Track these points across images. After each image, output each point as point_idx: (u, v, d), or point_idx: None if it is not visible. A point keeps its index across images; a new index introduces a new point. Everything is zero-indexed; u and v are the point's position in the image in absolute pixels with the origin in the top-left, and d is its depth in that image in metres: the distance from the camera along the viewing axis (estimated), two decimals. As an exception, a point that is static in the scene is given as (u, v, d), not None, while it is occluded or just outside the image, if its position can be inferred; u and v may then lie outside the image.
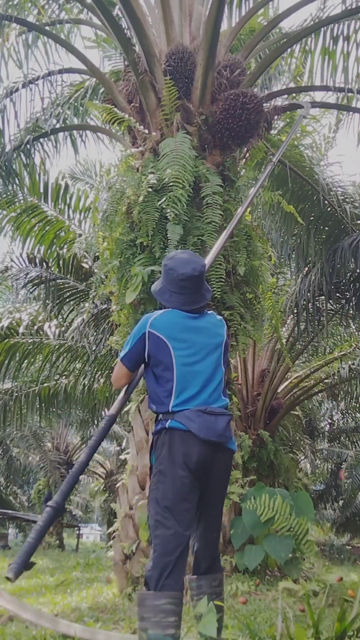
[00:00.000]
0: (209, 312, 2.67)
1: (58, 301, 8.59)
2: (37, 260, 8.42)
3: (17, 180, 7.14)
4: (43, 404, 10.27)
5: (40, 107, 6.73)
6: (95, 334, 8.47)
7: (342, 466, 16.40)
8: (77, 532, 25.63)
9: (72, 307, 9.07)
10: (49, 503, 2.40)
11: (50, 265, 8.46)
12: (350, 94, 6.39)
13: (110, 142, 7.85)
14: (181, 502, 2.30)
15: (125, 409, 5.73)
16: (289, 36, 6.10)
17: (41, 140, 7.00)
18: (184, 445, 2.31)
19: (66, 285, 8.49)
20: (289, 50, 6.58)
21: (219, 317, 2.67)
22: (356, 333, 10.14)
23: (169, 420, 2.37)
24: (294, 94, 7.05)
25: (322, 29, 6.39)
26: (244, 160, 6.17)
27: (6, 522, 25.37)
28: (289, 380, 9.46)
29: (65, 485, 2.46)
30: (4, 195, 7.50)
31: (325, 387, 10.81)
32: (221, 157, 5.12)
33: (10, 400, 10.11)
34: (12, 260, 8.58)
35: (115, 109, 4.93)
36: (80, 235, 7.83)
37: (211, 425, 2.32)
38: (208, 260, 3.20)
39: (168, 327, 2.47)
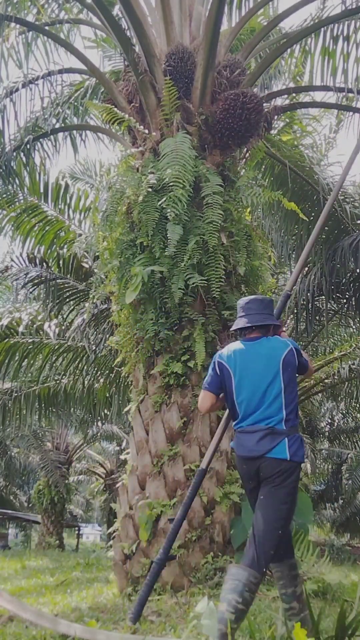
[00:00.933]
0: (272, 337, 2.89)
1: (58, 301, 8.57)
2: (37, 260, 8.41)
3: (17, 180, 7.14)
4: (43, 404, 10.27)
5: (40, 107, 6.73)
6: (95, 334, 8.46)
7: (342, 467, 16.39)
8: (77, 532, 25.65)
9: (72, 307, 9.06)
10: (154, 559, 2.92)
11: (50, 265, 8.44)
12: (350, 94, 6.39)
13: (110, 142, 7.85)
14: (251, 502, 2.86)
15: (125, 409, 5.72)
16: (289, 36, 6.10)
17: (41, 140, 7.00)
18: (237, 461, 2.83)
19: (66, 285, 8.47)
20: (289, 50, 6.59)
21: (285, 339, 2.87)
22: (356, 333, 10.13)
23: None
24: (294, 94, 7.05)
25: (322, 29, 6.39)
26: (244, 160, 6.17)
27: (6, 522, 25.39)
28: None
29: (167, 542, 2.90)
30: (4, 195, 7.49)
31: (326, 387, 10.80)
32: (221, 157, 5.12)
33: (10, 400, 10.10)
34: (12, 260, 8.57)
35: (115, 109, 4.93)
36: (80, 235, 7.81)
37: (243, 443, 2.74)
38: (293, 275, 3.47)
39: (231, 356, 2.86)
